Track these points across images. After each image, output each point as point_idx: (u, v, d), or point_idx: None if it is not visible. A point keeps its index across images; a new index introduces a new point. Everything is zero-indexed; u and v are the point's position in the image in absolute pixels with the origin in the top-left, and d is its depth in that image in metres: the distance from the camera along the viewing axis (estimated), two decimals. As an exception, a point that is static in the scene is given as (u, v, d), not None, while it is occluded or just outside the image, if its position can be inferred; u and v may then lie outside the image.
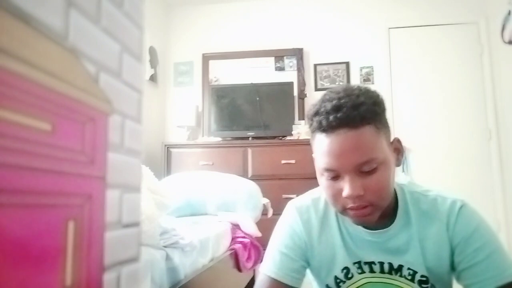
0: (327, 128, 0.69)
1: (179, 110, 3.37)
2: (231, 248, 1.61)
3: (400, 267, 0.78)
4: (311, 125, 0.74)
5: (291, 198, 0.92)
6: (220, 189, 1.92)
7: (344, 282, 0.82)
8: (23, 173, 0.26)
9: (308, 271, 0.88)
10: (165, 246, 1.00)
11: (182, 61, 3.61)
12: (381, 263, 0.79)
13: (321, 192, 0.87)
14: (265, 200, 2.11)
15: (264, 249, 0.86)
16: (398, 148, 0.77)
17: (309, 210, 0.85)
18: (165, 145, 3.05)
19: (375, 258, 0.79)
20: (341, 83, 3.35)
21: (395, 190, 0.79)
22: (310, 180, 2.71)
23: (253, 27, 3.54)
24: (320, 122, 0.70)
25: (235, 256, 1.60)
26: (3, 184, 0.24)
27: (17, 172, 0.26)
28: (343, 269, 0.81)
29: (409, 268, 0.77)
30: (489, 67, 3.15)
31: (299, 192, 0.96)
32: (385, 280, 0.79)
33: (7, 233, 0.25)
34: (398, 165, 0.76)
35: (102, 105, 0.36)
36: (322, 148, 0.71)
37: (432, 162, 3.11)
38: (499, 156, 3.06)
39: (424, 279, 0.76)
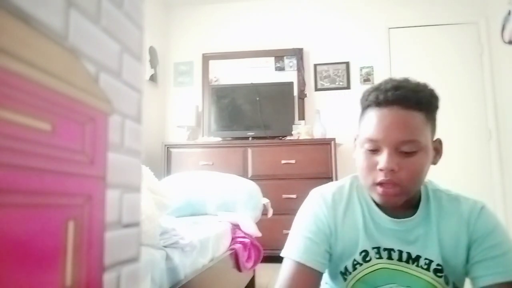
0: (382, 101, 0.74)
1: (179, 110, 3.37)
2: (231, 248, 1.61)
3: (418, 257, 0.80)
4: (366, 99, 0.78)
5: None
6: (220, 189, 1.92)
7: (361, 264, 0.83)
8: (23, 173, 0.26)
9: None
10: (165, 246, 1.00)
11: (182, 61, 3.61)
12: (400, 252, 0.81)
13: (345, 181, 0.90)
14: (265, 200, 2.11)
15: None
16: (437, 148, 0.81)
17: (334, 195, 0.87)
18: (165, 145, 3.05)
19: (395, 246, 0.81)
20: (341, 83, 3.35)
21: None
22: (310, 180, 2.73)
23: (253, 27, 3.54)
24: (377, 96, 0.75)
25: (235, 256, 1.60)
26: (3, 184, 0.24)
27: (17, 172, 0.26)
28: (361, 252, 0.83)
29: (426, 258, 0.79)
30: (489, 67, 3.15)
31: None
32: (401, 268, 0.81)
33: (7, 233, 0.25)
34: (434, 163, 0.80)
35: (102, 105, 0.36)
36: (371, 120, 0.76)
37: (432, 162, 3.11)
38: (499, 156, 3.06)
39: (439, 267, 0.79)
